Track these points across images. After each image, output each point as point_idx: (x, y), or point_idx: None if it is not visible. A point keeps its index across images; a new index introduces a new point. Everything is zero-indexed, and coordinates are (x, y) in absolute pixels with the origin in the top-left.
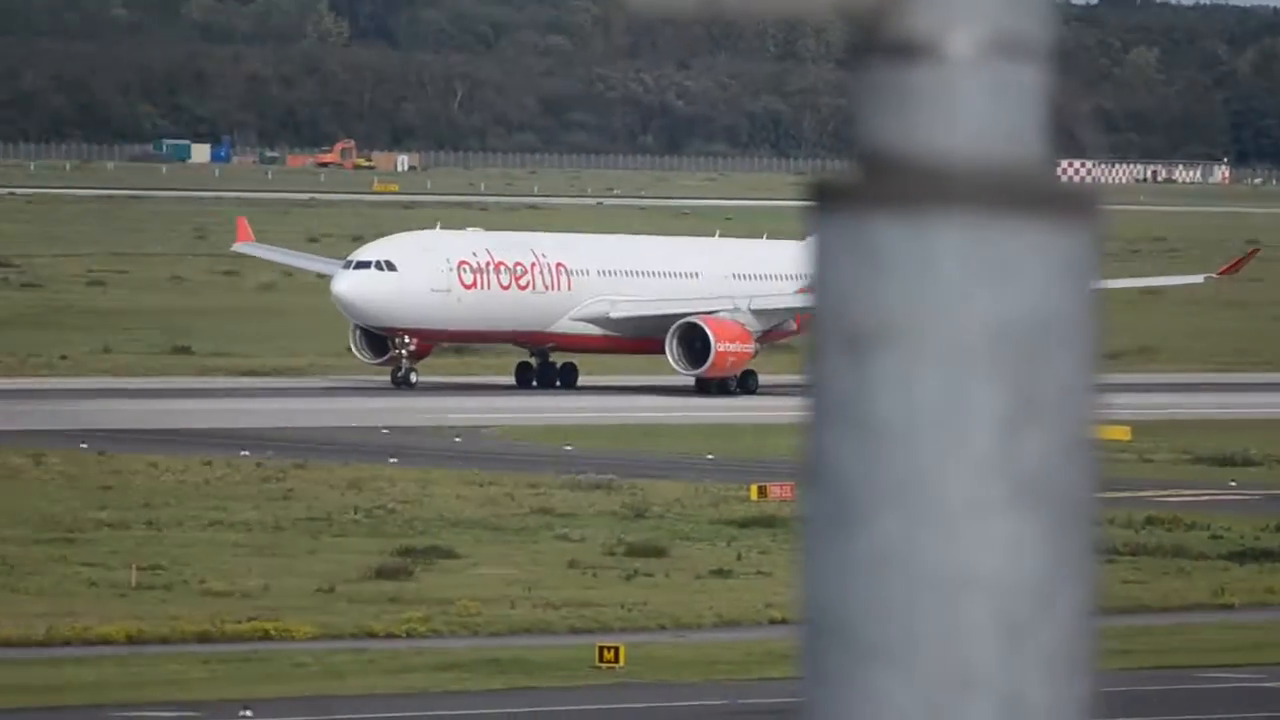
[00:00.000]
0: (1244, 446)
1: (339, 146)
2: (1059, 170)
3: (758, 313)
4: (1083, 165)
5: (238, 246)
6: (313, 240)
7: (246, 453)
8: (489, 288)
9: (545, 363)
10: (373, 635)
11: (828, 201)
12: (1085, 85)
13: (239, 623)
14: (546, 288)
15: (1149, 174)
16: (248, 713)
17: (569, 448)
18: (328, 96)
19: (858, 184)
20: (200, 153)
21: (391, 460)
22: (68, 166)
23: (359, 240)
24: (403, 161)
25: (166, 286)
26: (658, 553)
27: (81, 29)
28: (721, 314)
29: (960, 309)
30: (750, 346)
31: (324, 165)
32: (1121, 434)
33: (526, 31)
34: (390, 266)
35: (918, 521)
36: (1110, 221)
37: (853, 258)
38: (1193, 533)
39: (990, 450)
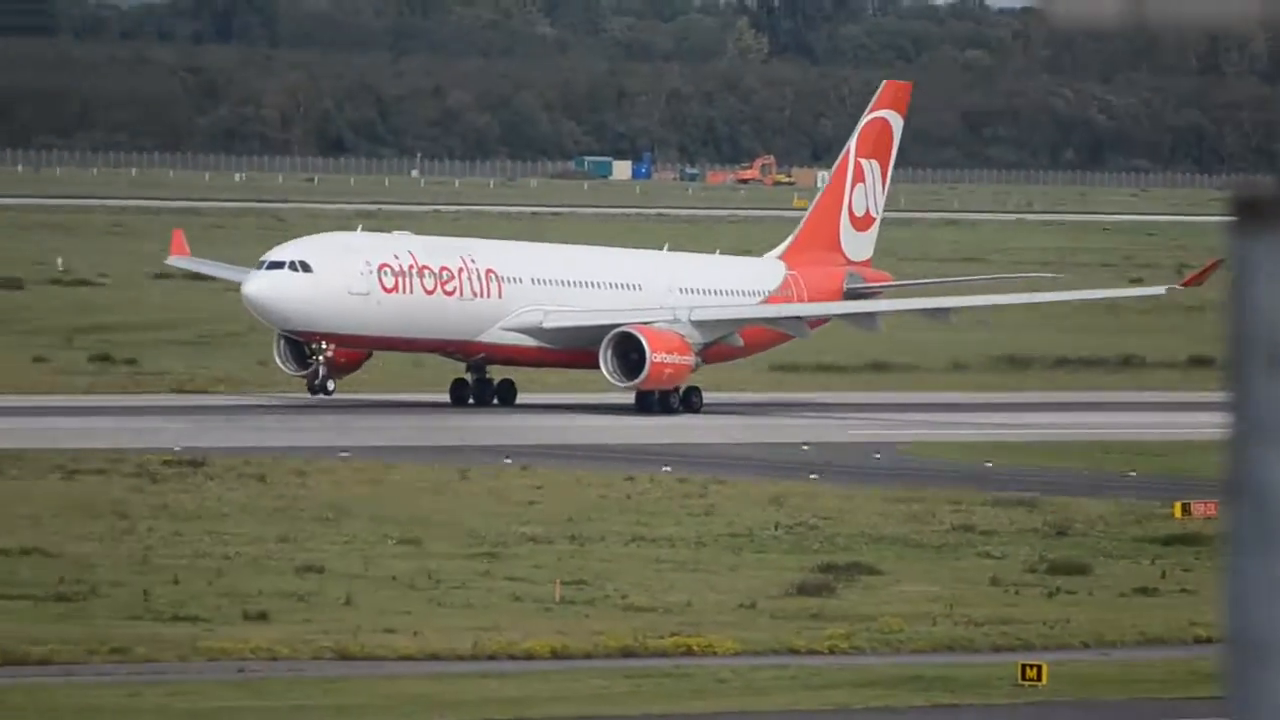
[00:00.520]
0: None
1: (759, 162)
2: None
3: (699, 324)
4: None
5: (172, 260)
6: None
7: (668, 468)
8: (411, 292)
9: (481, 379)
10: (794, 651)
11: (1253, 218)
12: None
13: (661, 638)
14: (475, 294)
15: None
16: None
17: (989, 464)
18: (748, 112)
19: None
20: (622, 169)
21: (812, 476)
22: (492, 184)
23: None
24: (823, 177)
25: None
26: (1080, 570)
27: (505, 47)
28: (659, 324)
29: None
30: (689, 359)
31: (744, 181)
32: None
33: (946, 47)
34: (305, 268)
35: None
36: None
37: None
38: None
39: None
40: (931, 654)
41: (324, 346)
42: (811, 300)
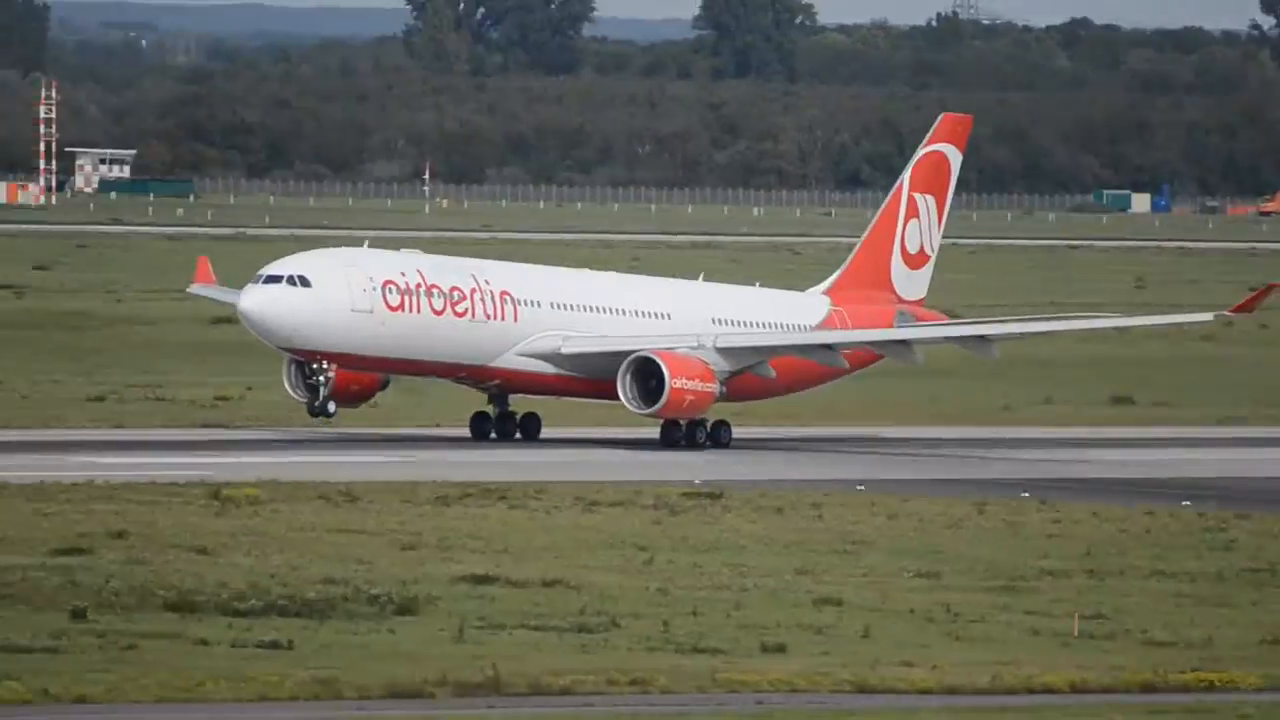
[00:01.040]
0: None
1: None
2: None
3: (725, 351)
4: None
5: (194, 288)
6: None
7: (1188, 503)
8: (419, 311)
9: (504, 411)
10: None
11: None
12: None
13: (1181, 673)
14: (489, 317)
15: None
16: None
17: None
18: (1269, 144)
19: None
20: (1140, 202)
21: None
22: (1009, 217)
23: None
24: None
25: (1110, 336)
26: None
27: (1024, 80)
28: (681, 350)
29: None
30: (712, 387)
31: (1265, 214)
32: None
33: None
34: (304, 282)
35: None
36: None
37: None
38: None
39: None
40: None
41: (325, 367)
42: (853, 348)
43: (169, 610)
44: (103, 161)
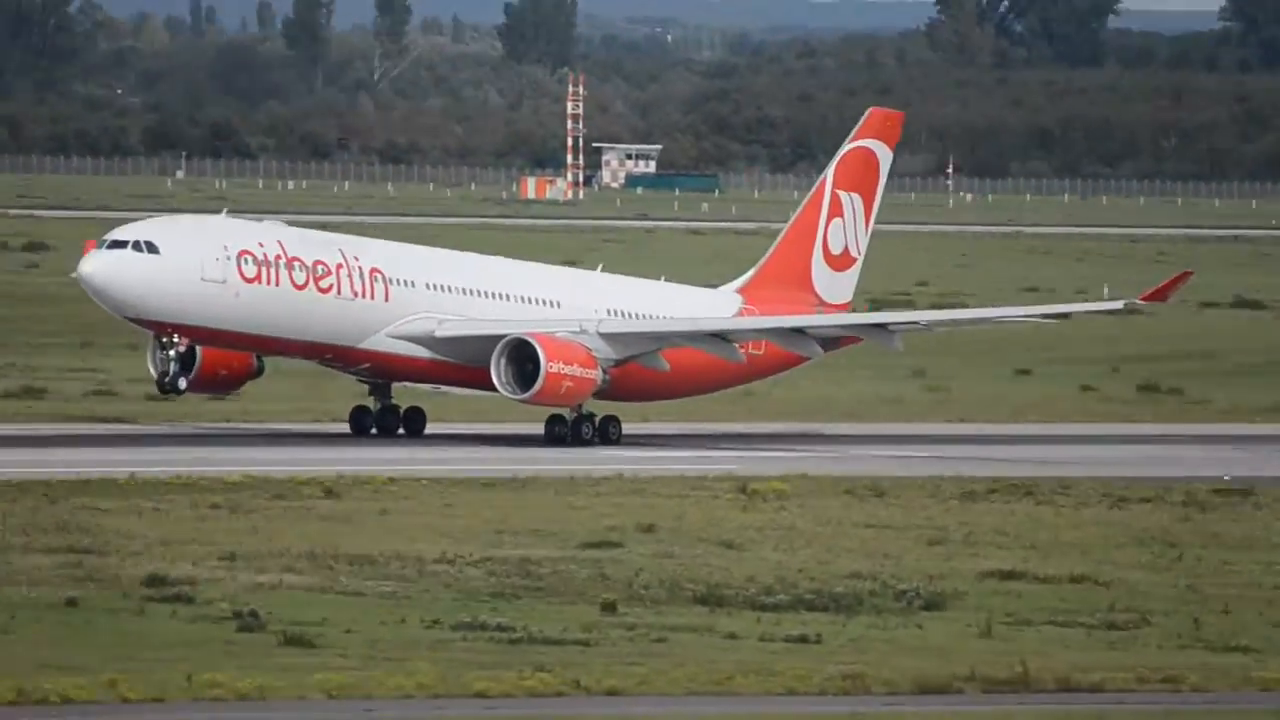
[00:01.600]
0: None
1: None
2: None
3: (609, 337)
4: None
5: None
6: None
7: None
8: (277, 284)
9: (387, 405)
10: None
11: None
12: None
13: None
14: (356, 295)
15: None
16: None
17: None
18: None
19: None
20: None
21: None
22: None
23: None
24: None
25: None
26: None
27: None
28: (561, 334)
29: None
30: (593, 374)
31: None
32: None
33: None
34: (151, 248)
35: None
36: None
37: None
38: None
39: None
40: None
41: (175, 340)
42: (770, 345)
43: (698, 604)
44: (629, 157)
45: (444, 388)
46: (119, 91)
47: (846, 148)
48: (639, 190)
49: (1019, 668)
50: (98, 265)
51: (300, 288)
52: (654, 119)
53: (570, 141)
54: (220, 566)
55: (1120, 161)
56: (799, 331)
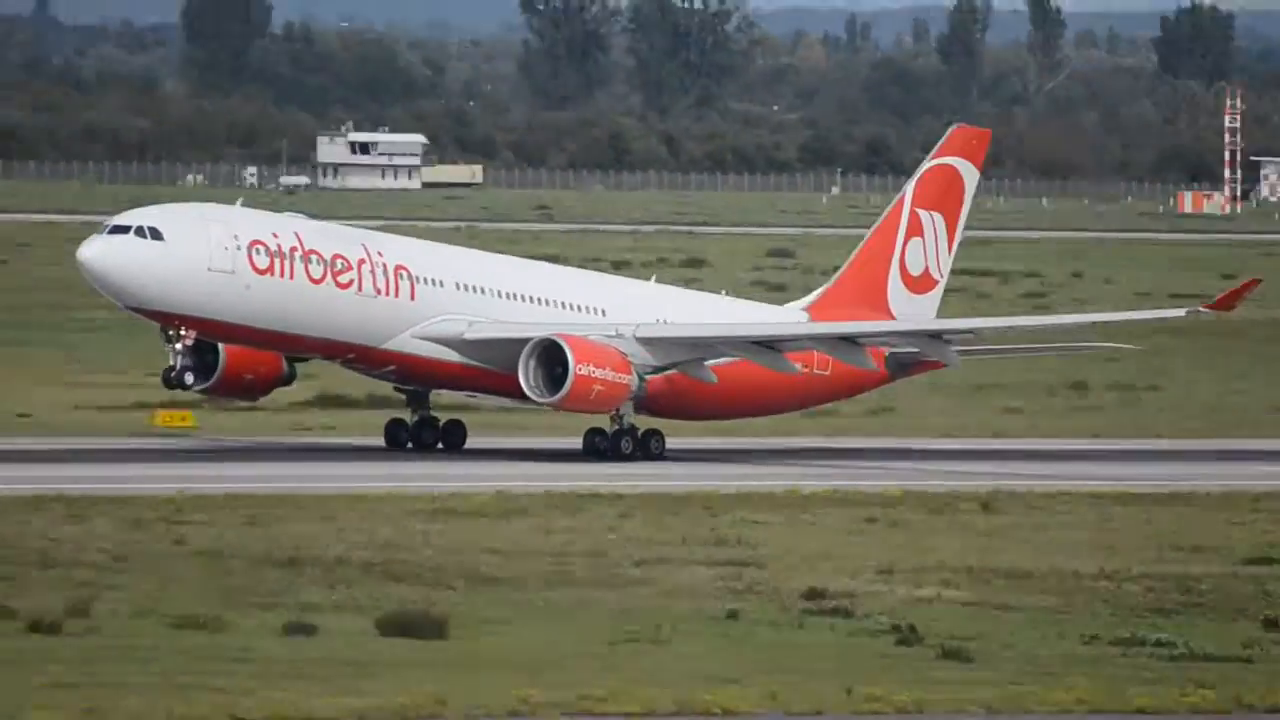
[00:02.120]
0: None
1: None
2: None
3: (647, 342)
4: None
5: None
6: None
7: None
8: (290, 277)
9: (425, 417)
10: None
11: None
12: None
13: None
14: (379, 292)
15: None
16: None
17: None
18: None
19: None
20: None
21: None
22: None
23: None
24: None
25: None
26: None
27: None
28: (595, 337)
29: None
30: (626, 379)
31: None
32: None
33: None
34: (155, 235)
35: None
36: None
37: None
38: None
39: None
40: None
41: (182, 333)
42: (840, 364)
43: None
44: None
45: (477, 396)
46: (775, 108)
47: (928, 164)
48: None
49: None
50: (97, 251)
51: (317, 281)
52: None
53: (1228, 155)
54: (878, 580)
55: None
56: (850, 342)
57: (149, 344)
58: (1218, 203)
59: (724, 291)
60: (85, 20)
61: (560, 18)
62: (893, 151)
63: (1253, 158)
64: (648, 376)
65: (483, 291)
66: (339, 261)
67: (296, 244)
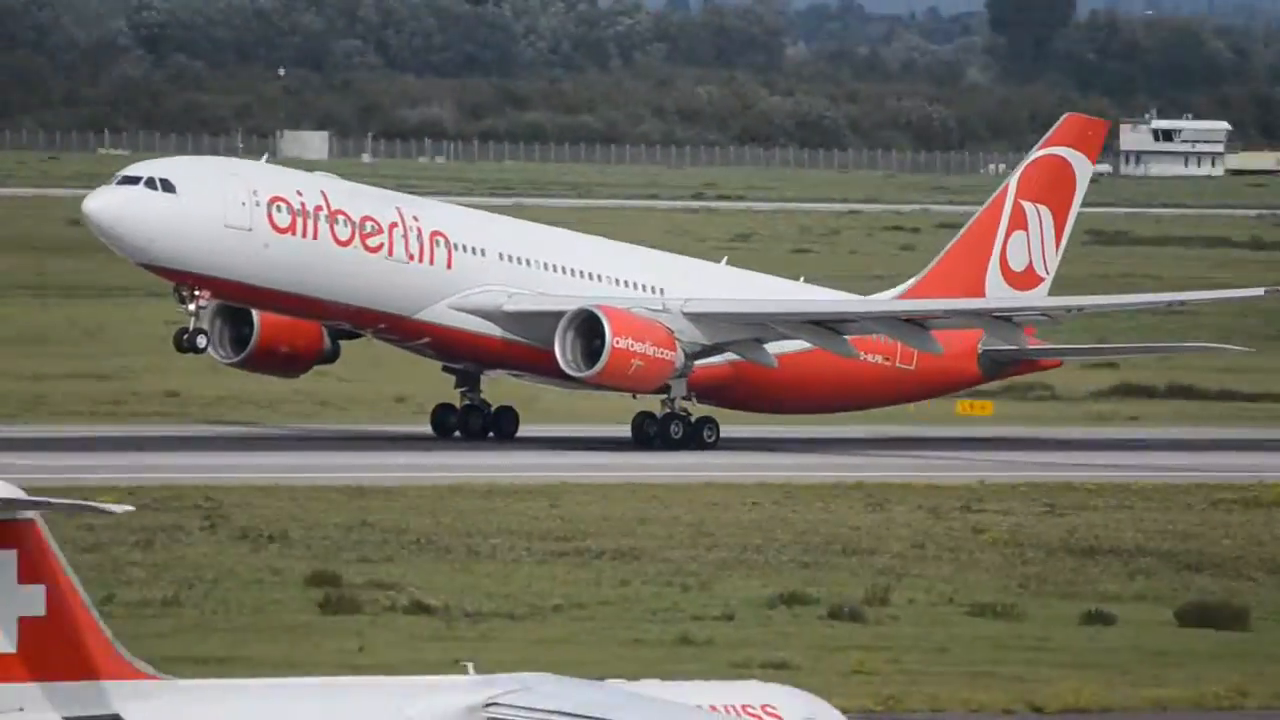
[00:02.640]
0: None
1: None
2: None
3: (696, 318)
4: None
5: None
6: None
7: None
8: (314, 237)
9: (474, 403)
10: None
11: None
12: None
13: None
14: (411, 257)
15: None
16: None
17: None
18: None
19: None
20: None
21: None
22: None
23: None
24: None
25: None
26: None
27: None
28: (639, 310)
29: None
30: (670, 355)
31: None
32: None
33: None
34: (167, 187)
35: None
36: None
37: None
38: None
39: None
40: None
41: (196, 292)
42: (926, 359)
43: None
44: None
45: (522, 375)
46: None
47: (1035, 154)
48: None
49: None
50: (103, 203)
51: (343, 243)
52: None
53: None
54: None
55: None
56: (916, 325)
57: None
58: None
59: (800, 278)
60: (892, 10)
61: None
62: None
63: None
64: (707, 360)
65: (528, 263)
66: (368, 224)
67: (322, 203)
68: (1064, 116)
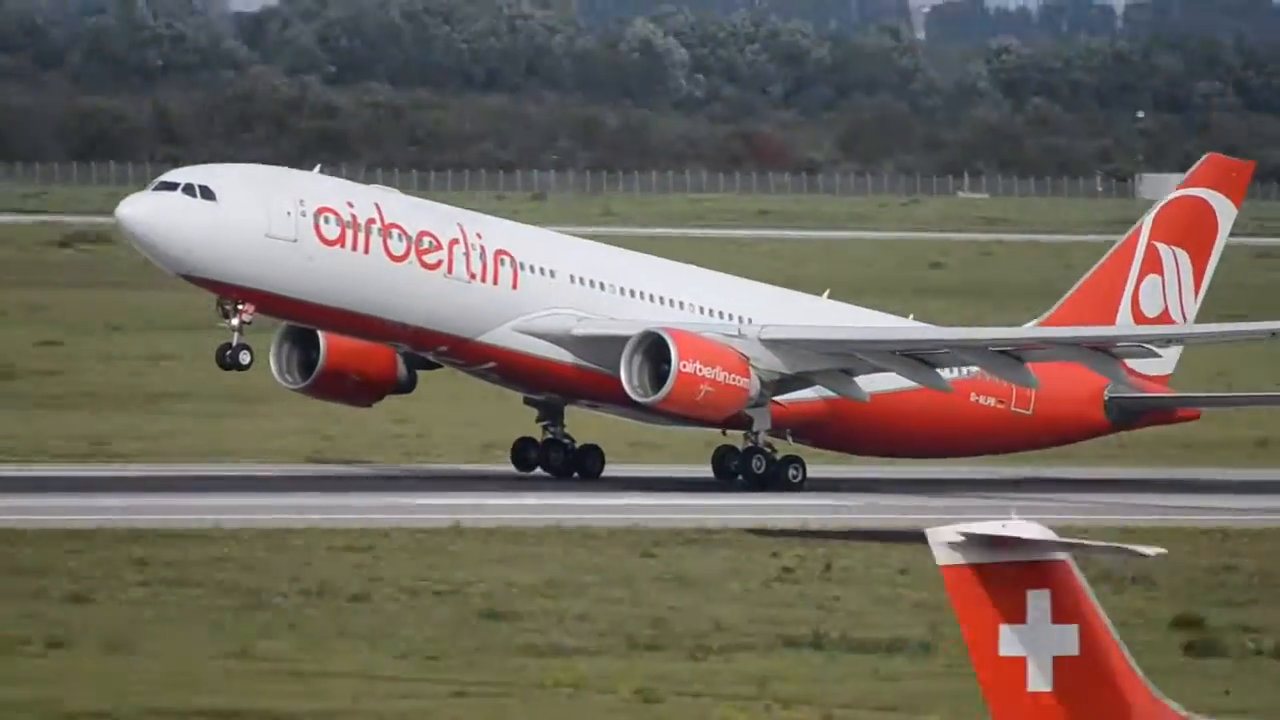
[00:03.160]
0: None
1: None
2: None
3: (773, 344)
4: None
5: None
6: None
7: None
8: (365, 251)
9: (556, 437)
10: None
11: None
12: None
13: None
14: (473, 276)
15: None
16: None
17: None
18: None
19: None
20: None
21: None
22: None
23: None
24: None
25: None
26: None
27: None
28: (711, 335)
29: None
30: (742, 382)
31: None
32: None
33: None
34: (206, 194)
35: None
36: None
37: None
38: None
39: None
40: None
41: (240, 306)
42: (1045, 404)
43: None
44: None
45: (599, 407)
46: None
47: (1172, 195)
48: None
49: None
50: (139, 209)
51: (398, 259)
52: None
53: None
54: None
55: None
56: (1012, 358)
57: None
58: None
59: (910, 316)
60: None
61: None
62: None
63: None
64: (797, 396)
65: (601, 287)
66: (426, 239)
67: (375, 216)
68: (1205, 156)
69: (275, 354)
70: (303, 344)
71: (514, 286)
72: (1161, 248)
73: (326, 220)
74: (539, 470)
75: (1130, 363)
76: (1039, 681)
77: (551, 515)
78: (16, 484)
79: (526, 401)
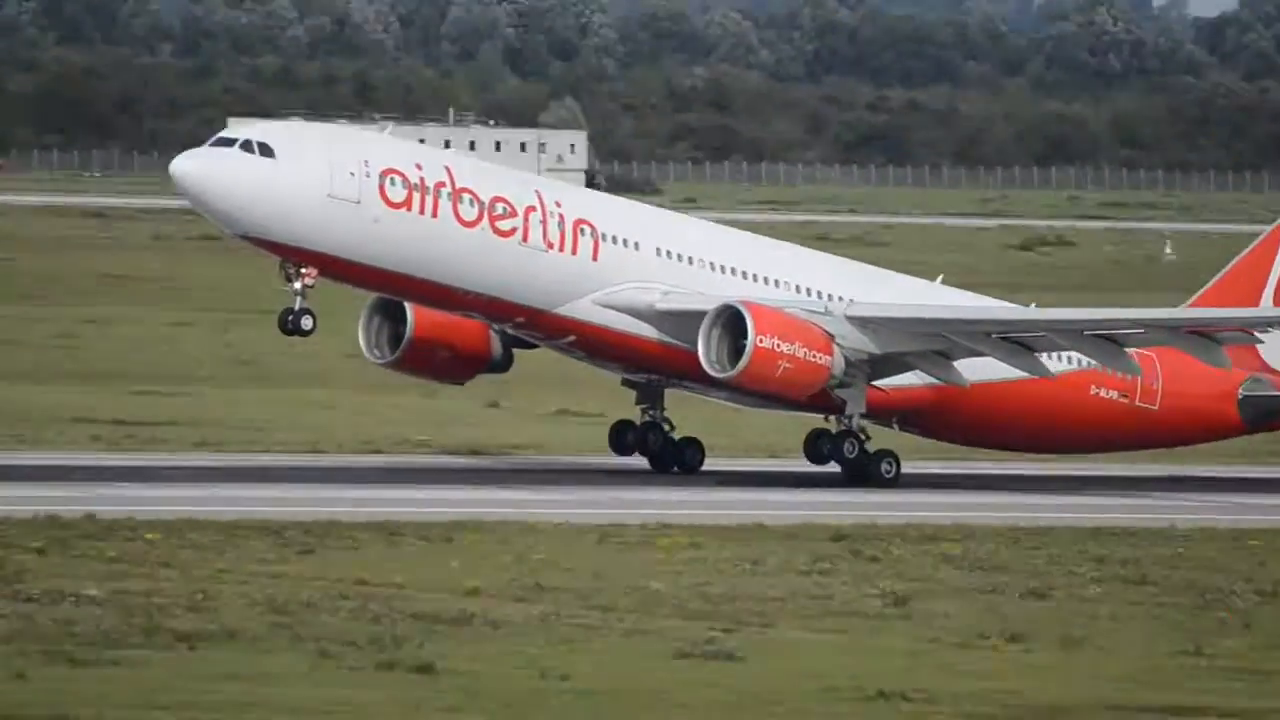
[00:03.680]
0: None
1: None
2: None
3: (862, 322)
4: None
5: None
6: None
7: None
8: (434, 215)
9: (653, 420)
10: None
11: None
12: None
13: None
14: (550, 246)
15: None
16: None
17: None
18: None
19: None
20: None
21: None
22: None
23: None
24: None
25: None
26: None
27: None
28: (795, 310)
29: None
30: (824, 360)
31: None
32: None
33: None
34: (265, 151)
35: None
36: None
37: None
38: None
39: None
40: None
41: (303, 270)
42: (1172, 399)
43: None
44: None
45: (685, 385)
46: None
47: None
48: None
49: None
50: (193, 165)
51: (469, 224)
52: None
53: None
54: None
55: None
56: (1113, 343)
57: None
58: None
59: (1032, 305)
60: None
61: None
62: None
63: None
64: (900, 382)
65: (689, 261)
66: (500, 205)
67: (445, 180)
68: None
69: (364, 327)
70: (393, 318)
71: (594, 258)
72: None
73: (392, 182)
74: (636, 456)
75: (1268, 357)
76: None
77: None
78: None
79: (624, 383)
